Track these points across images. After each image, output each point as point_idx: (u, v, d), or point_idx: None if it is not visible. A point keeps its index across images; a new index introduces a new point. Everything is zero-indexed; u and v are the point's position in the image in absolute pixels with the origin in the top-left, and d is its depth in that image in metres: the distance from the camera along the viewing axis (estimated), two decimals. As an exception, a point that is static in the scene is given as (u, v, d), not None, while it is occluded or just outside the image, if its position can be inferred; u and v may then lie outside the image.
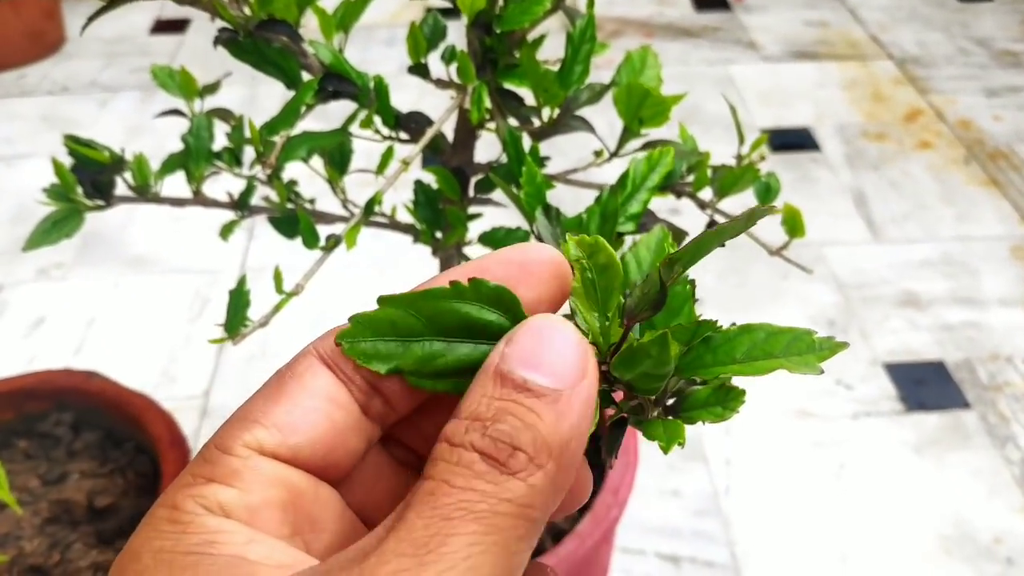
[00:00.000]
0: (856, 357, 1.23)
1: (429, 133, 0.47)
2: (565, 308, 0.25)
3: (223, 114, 0.61)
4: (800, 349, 0.23)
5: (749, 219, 0.22)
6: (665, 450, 0.24)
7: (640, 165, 0.40)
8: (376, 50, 1.95)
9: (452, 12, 0.51)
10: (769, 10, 2.07)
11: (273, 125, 0.45)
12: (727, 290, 1.33)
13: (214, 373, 1.21)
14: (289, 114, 0.45)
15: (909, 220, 1.46)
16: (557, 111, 0.47)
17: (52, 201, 0.53)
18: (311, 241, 0.47)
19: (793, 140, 1.63)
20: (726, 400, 0.26)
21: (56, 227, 0.52)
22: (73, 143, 0.54)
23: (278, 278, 0.47)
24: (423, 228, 0.53)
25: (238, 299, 0.46)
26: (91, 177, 0.54)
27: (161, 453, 0.74)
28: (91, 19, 0.46)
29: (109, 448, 0.81)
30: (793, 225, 0.47)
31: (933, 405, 1.15)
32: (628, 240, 0.44)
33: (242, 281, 0.48)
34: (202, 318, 1.30)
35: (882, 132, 1.66)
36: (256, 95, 1.75)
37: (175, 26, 2.03)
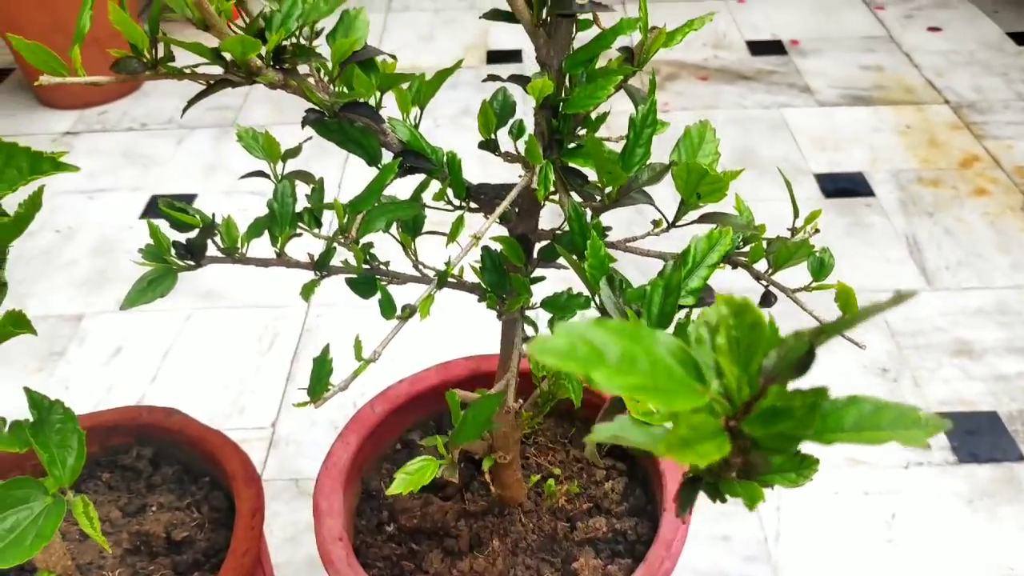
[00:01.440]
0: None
1: (498, 210, 0.50)
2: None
3: (303, 176, 0.66)
4: (906, 424, 0.26)
5: (896, 300, 0.24)
6: (750, 507, 0.27)
7: (701, 243, 0.43)
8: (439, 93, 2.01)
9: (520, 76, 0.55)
10: (824, 54, 2.08)
11: (356, 204, 0.50)
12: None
13: (281, 405, 1.26)
14: (371, 195, 0.49)
15: (963, 268, 1.46)
16: (615, 190, 0.50)
17: (147, 262, 0.58)
18: (388, 312, 0.52)
19: (847, 185, 1.64)
20: (801, 467, 0.28)
21: (151, 286, 0.57)
22: (168, 207, 0.59)
23: (358, 347, 0.51)
24: (489, 294, 0.57)
25: (321, 367, 0.49)
26: (184, 240, 0.58)
27: (236, 490, 0.78)
28: (192, 102, 0.51)
29: (187, 482, 0.85)
30: (846, 302, 0.50)
31: (986, 457, 1.15)
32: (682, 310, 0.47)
33: (325, 351, 0.52)
34: (271, 351, 1.36)
35: (937, 178, 1.66)
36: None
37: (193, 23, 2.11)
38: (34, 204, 0.47)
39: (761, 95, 1.93)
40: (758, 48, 2.12)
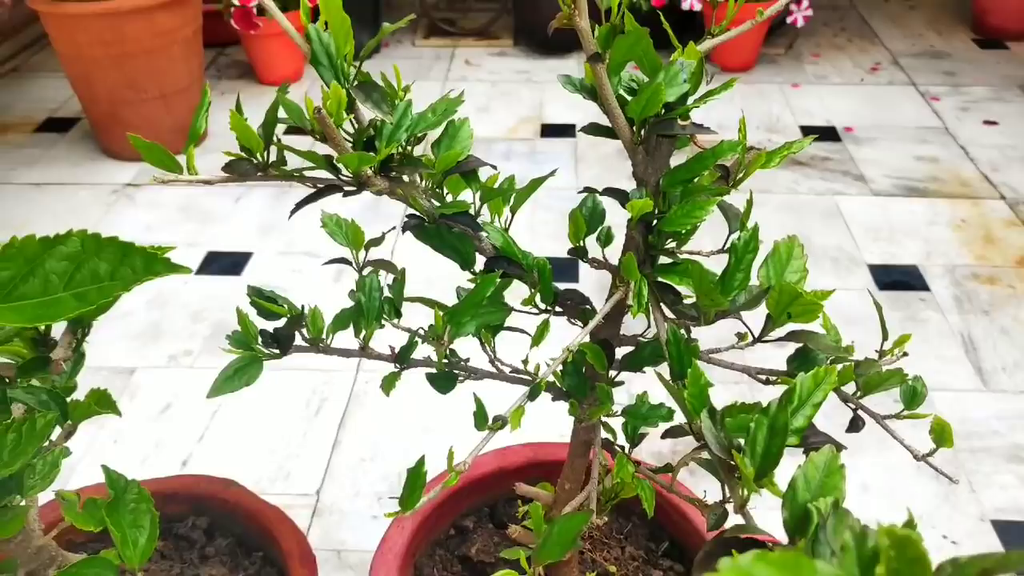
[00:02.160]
0: (963, 512, 1.21)
1: (592, 323, 0.51)
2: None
3: (386, 265, 0.67)
4: None
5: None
6: None
7: (807, 381, 0.43)
8: (494, 162, 2.04)
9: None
10: (879, 143, 2.09)
11: (454, 314, 0.50)
12: (834, 430, 1.32)
13: (326, 473, 1.26)
14: (470, 306, 0.49)
15: (1021, 369, 1.43)
16: (713, 314, 0.50)
17: (234, 349, 0.59)
18: (481, 424, 0.52)
19: (901, 278, 1.63)
20: None
21: (238, 375, 0.57)
22: (256, 297, 0.60)
23: (450, 456, 0.51)
24: (572, 401, 0.57)
25: (416, 479, 0.49)
26: (272, 329, 0.59)
27: (292, 569, 0.78)
28: (300, 205, 0.52)
29: (239, 556, 0.85)
30: (941, 436, 0.49)
31: (1048, 573, 1.11)
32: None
33: (421, 463, 0.52)
34: (319, 416, 1.36)
35: (993, 275, 1.64)
36: (379, 201, 1.84)
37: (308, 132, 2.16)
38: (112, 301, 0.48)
39: (815, 181, 1.93)
40: (811, 134, 2.13)
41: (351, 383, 1.44)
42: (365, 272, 0.66)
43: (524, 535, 0.76)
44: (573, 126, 2.17)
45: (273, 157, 0.50)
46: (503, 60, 2.57)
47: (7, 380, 0.51)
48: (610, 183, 1.80)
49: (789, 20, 2.45)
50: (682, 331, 0.50)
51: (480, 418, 0.52)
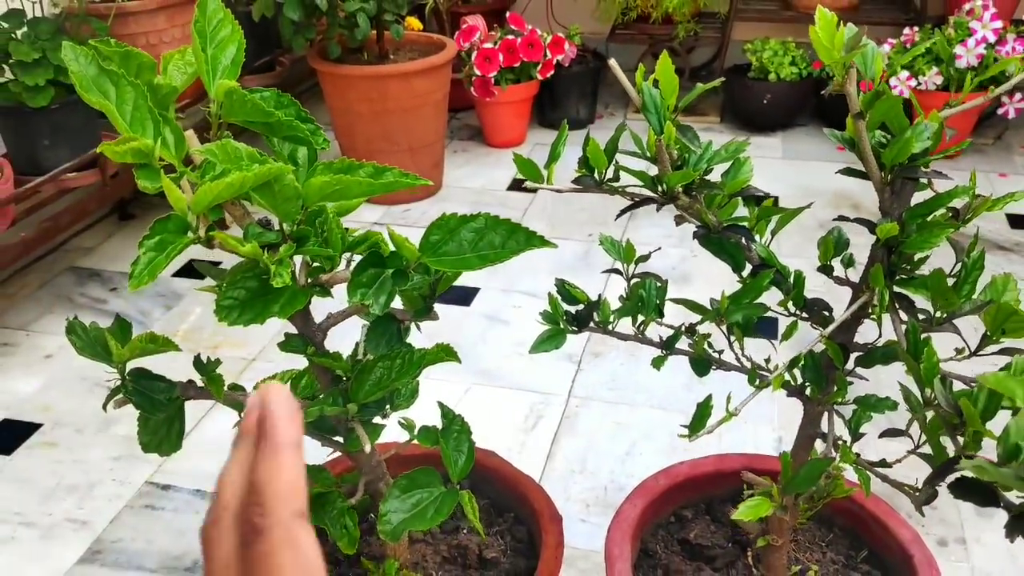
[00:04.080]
0: None
1: (840, 319, 0.65)
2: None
3: (653, 277, 0.84)
4: None
5: None
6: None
7: (1022, 360, 0.55)
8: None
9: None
10: (1091, 234, 2.08)
11: (736, 298, 0.66)
12: None
13: (541, 479, 1.43)
14: (741, 299, 0.65)
15: None
16: (945, 315, 0.64)
17: (545, 322, 0.77)
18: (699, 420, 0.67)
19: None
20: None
21: (550, 340, 0.75)
22: (564, 285, 0.78)
23: (728, 400, 0.67)
24: (812, 387, 0.71)
25: (704, 410, 0.65)
26: (574, 311, 0.77)
27: (543, 525, 0.95)
28: (623, 212, 0.70)
29: (493, 515, 1.03)
30: None
31: None
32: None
33: (708, 399, 0.68)
34: (535, 431, 1.54)
35: None
36: (589, 254, 2.03)
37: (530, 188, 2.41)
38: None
39: (1019, 267, 1.96)
40: (1017, 222, 2.16)
41: (563, 406, 1.61)
42: (633, 280, 0.83)
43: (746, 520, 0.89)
44: (776, 197, 2.29)
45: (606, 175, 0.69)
46: (710, 135, 2.74)
47: (403, 322, 0.71)
48: (804, 248, 1.94)
49: (1000, 111, 2.48)
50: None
51: (699, 422, 0.67)
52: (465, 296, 1.93)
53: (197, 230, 0.56)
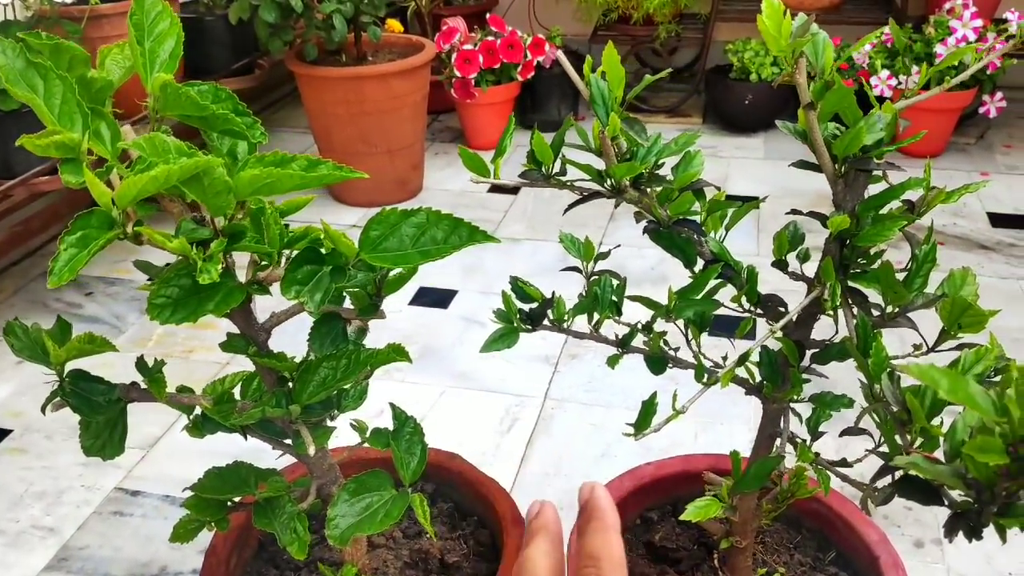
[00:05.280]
0: None
1: (790, 315, 0.64)
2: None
3: (611, 274, 0.82)
4: None
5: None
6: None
7: (969, 356, 0.54)
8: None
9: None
10: (1071, 232, 2.08)
11: (684, 293, 0.65)
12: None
13: (515, 482, 1.41)
14: (691, 295, 0.64)
15: None
16: (896, 309, 0.62)
17: (498, 320, 0.76)
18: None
19: (1088, 363, 1.62)
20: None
21: (502, 339, 0.74)
22: (517, 283, 0.77)
23: (674, 398, 0.65)
24: (767, 384, 0.70)
25: (648, 408, 0.64)
26: (528, 309, 0.76)
27: (505, 529, 0.93)
28: (571, 206, 0.68)
29: (457, 518, 1.01)
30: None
31: None
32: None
33: (653, 396, 0.66)
34: (510, 433, 1.53)
35: None
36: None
37: (511, 188, 2.40)
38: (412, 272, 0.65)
39: (999, 265, 1.95)
40: (999, 220, 2.15)
41: (539, 409, 1.59)
42: (592, 279, 0.82)
43: (708, 522, 0.88)
44: (756, 198, 2.28)
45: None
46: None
47: (347, 319, 0.69)
48: None
49: (982, 110, 2.48)
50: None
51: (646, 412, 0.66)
52: (443, 299, 1.92)
53: (124, 225, 0.54)
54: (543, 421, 1.56)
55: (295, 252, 0.64)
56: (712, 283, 0.71)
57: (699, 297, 0.67)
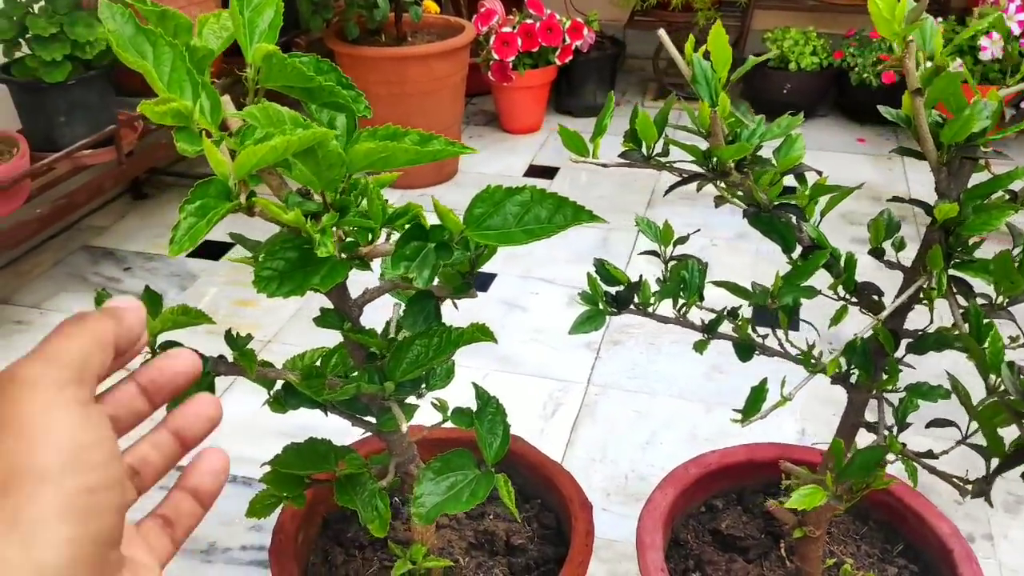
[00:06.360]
0: None
1: (892, 306, 0.63)
2: None
3: (693, 259, 0.82)
4: None
5: None
6: None
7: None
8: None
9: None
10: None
11: (791, 278, 0.64)
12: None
13: (561, 466, 1.41)
14: (803, 272, 0.63)
15: None
16: (1006, 300, 0.61)
17: (583, 302, 0.75)
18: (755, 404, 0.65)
19: None
20: None
21: (589, 321, 0.73)
22: (603, 265, 0.76)
23: (782, 385, 0.64)
24: (859, 373, 0.69)
25: (758, 394, 0.63)
26: (614, 292, 0.75)
27: (573, 512, 0.93)
28: (672, 188, 0.67)
29: (520, 501, 1.01)
30: None
31: None
32: None
33: (763, 383, 0.65)
34: (554, 418, 1.52)
35: None
36: (608, 240, 2.00)
37: (546, 172, 2.38)
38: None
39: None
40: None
41: (582, 394, 1.59)
42: (671, 263, 0.81)
43: (780, 511, 0.87)
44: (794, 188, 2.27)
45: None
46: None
47: (439, 298, 0.69)
48: (830, 237, 1.89)
49: (1024, 105, 2.45)
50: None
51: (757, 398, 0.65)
52: (483, 282, 1.91)
53: (237, 196, 0.54)
54: (587, 407, 1.56)
55: (394, 228, 0.63)
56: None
57: (804, 285, 0.66)
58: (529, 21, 2.50)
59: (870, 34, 2.63)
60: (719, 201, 0.72)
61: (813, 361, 0.67)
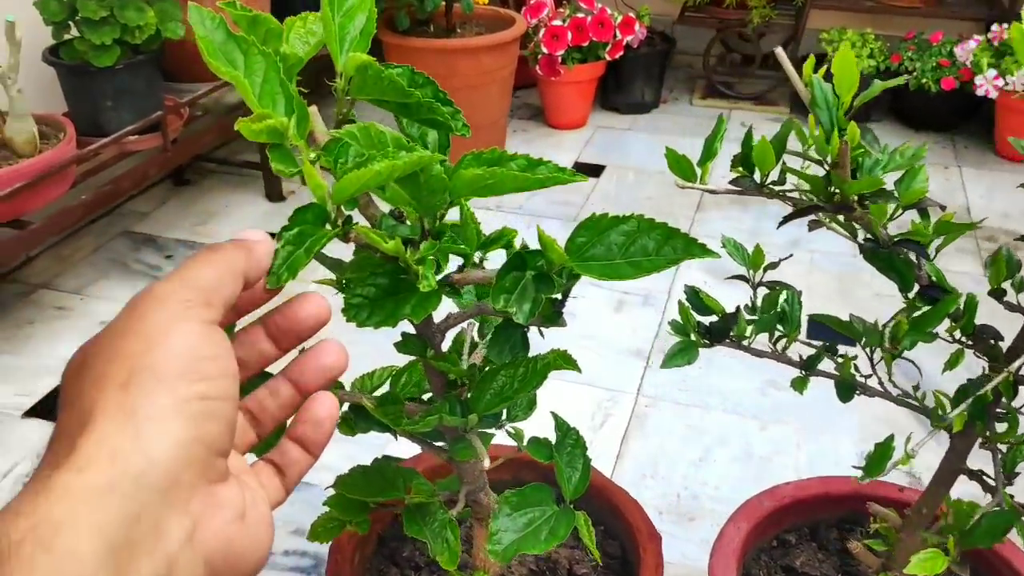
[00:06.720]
0: None
1: (1019, 362, 0.58)
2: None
3: (786, 287, 0.77)
4: None
5: None
6: None
7: None
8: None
9: None
10: None
11: (920, 324, 0.59)
12: None
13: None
14: (933, 317, 0.59)
15: None
16: None
17: (674, 333, 0.71)
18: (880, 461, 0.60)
19: None
20: None
21: (681, 354, 0.69)
22: (695, 293, 0.72)
23: (907, 442, 0.60)
24: (979, 422, 0.64)
25: (884, 450, 0.59)
26: (707, 323, 0.71)
27: (640, 542, 0.88)
28: (787, 219, 0.63)
29: (582, 526, 0.97)
30: None
31: None
32: None
33: (890, 439, 0.61)
34: (603, 429, 1.48)
35: None
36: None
37: (592, 170, 2.33)
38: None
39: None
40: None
41: (632, 405, 1.55)
42: (759, 290, 0.76)
43: (863, 552, 0.83)
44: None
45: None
46: (778, 126, 2.64)
47: (527, 327, 0.65)
48: None
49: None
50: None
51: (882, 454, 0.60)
52: (529, 283, 1.87)
53: (336, 222, 0.50)
54: (636, 419, 1.51)
55: (489, 254, 0.59)
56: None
57: (921, 330, 0.61)
58: (580, 15, 2.44)
59: (930, 38, 2.55)
60: (813, 225, 0.68)
61: (940, 414, 0.62)
